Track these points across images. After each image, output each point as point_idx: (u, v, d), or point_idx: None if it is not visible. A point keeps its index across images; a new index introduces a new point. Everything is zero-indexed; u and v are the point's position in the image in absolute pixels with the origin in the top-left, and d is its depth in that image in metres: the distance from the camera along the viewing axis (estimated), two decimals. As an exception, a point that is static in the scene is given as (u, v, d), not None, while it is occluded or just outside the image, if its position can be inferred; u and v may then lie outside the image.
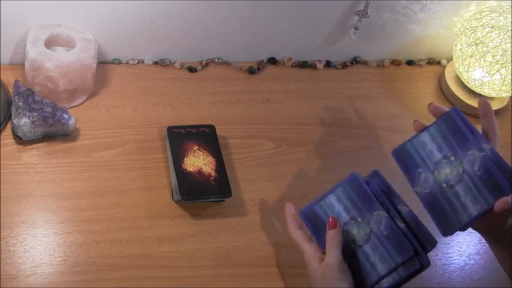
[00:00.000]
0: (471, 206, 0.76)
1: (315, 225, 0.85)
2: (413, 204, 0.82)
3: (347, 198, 0.84)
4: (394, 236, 0.79)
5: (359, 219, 0.83)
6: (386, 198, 0.83)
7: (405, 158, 0.83)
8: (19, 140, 0.96)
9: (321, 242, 0.84)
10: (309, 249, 0.82)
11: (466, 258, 1.01)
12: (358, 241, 0.82)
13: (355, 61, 1.27)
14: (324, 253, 0.81)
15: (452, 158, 0.79)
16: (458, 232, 0.77)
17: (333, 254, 0.79)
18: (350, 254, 0.82)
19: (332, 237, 0.81)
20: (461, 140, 0.79)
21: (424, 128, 0.83)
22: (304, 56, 1.23)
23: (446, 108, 0.83)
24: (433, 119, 0.84)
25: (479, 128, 0.81)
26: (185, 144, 0.99)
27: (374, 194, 0.83)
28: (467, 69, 1.18)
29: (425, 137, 0.82)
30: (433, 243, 0.80)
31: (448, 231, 0.77)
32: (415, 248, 0.78)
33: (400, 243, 0.79)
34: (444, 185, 0.79)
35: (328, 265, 0.78)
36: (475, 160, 0.77)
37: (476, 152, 0.77)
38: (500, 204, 0.73)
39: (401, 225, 0.80)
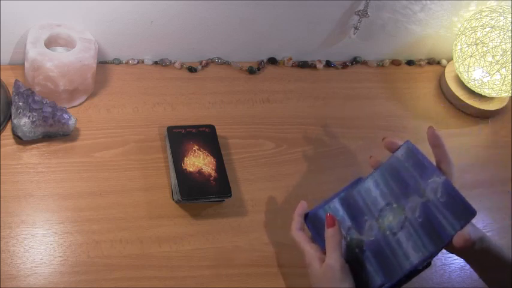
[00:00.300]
0: (413, 253, 0.76)
1: (317, 228, 0.85)
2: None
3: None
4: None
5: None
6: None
7: (352, 205, 0.84)
8: (19, 140, 0.96)
9: (322, 245, 0.83)
10: (309, 249, 0.82)
11: (466, 258, 1.01)
12: (362, 246, 0.81)
13: (355, 61, 1.27)
14: (325, 253, 0.81)
15: (394, 205, 0.80)
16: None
17: (333, 255, 0.79)
18: (354, 259, 0.81)
19: (331, 236, 0.80)
20: (403, 186, 0.80)
21: (369, 174, 0.84)
22: (304, 56, 1.23)
23: (400, 143, 0.83)
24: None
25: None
26: (185, 144, 0.99)
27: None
28: (467, 69, 1.18)
29: (369, 183, 0.83)
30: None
31: (391, 278, 0.77)
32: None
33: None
34: (388, 233, 0.79)
35: (329, 266, 0.78)
36: (416, 206, 0.78)
37: (437, 179, 0.77)
38: (459, 240, 0.73)
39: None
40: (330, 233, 0.81)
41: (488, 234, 0.92)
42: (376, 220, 0.80)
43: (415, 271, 0.80)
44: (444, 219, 0.75)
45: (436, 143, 0.81)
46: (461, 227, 0.74)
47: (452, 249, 0.81)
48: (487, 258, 0.82)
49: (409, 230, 0.78)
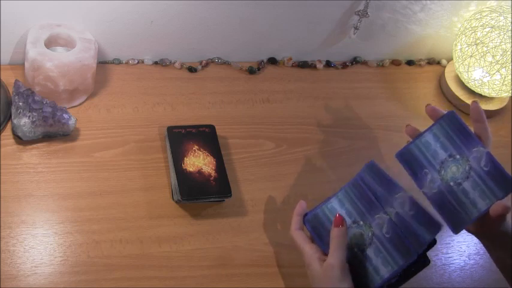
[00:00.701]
0: (480, 201, 0.77)
1: (316, 230, 0.85)
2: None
3: (349, 202, 0.84)
4: (396, 239, 0.79)
5: (361, 222, 0.82)
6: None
7: (410, 159, 0.83)
8: (19, 140, 0.96)
9: (321, 246, 0.83)
10: (308, 250, 0.82)
11: (466, 258, 1.01)
12: (361, 245, 0.82)
13: (355, 61, 1.27)
14: (324, 254, 0.81)
15: (457, 156, 0.79)
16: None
17: (336, 254, 0.78)
18: (353, 257, 0.81)
19: (337, 236, 0.80)
20: (466, 138, 0.80)
21: (426, 129, 0.83)
22: (304, 56, 1.23)
23: (444, 111, 0.83)
24: (430, 118, 0.84)
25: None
26: (185, 144, 0.99)
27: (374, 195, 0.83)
28: (467, 69, 1.18)
29: (428, 137, 0.82)
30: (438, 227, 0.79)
31: (458, 228, 0.77)
32: (418, 253, 0.78)
33: (403, 247, 0.78)
34: (452, 184, 0.79)
35: (331, 265, 0.78)
36: (481, 156, 0.78)
37: (481, 149, 0.78)
38: (497, 208, 0.74)
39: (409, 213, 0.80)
40: (336, 233, 0.80)
41: None
42: (438, 172, 0.80)
43: (413, 271, 0.80)
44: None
45: (478, 118, 0.81)
46: (503, 197, 0.75)
47: (479, 228, 0.81)
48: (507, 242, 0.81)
49: (474, 179, 0.78)
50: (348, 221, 0.83)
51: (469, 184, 0.78)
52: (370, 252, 0.80)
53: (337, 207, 0.85)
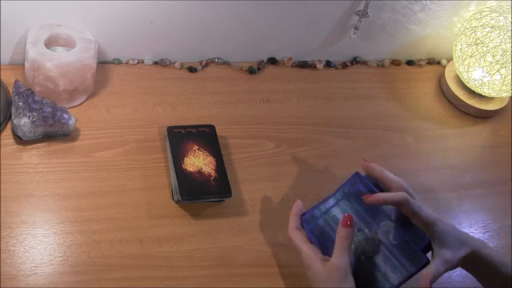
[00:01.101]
0: (392, 275, 0.78)
1: (313, 232, 0.85)
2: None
3: (352, 210, 0.84)
4: (404, 245, 0.79)
5: (366, 230, 0.82)
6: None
7: (317, 231, 0.84)
8: (19, 140, 0.96)
9: (319, 247, 0.83)
10: (307, 250, 0.81)
11: (466, 258, 1.01)
12: (367, 252, 0.81)
13: (355, 61, 1.27)
14: (323, 254, 0.81)
15: (366, 231, 0.81)
16: None
17: (342, 254, 0.77)
18: (360, 265, 0.81)
19: (344, 237, 0.78)
20: (372, 211, 0.81)
21: (331, 196, 0.86)
22: (304, 56, 1.23)
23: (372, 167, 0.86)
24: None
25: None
26: (185, 144, 0.99)
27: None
28: (467, 69, 1.18)
29: (336, 211, 0.84)
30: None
31: None
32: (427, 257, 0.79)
33: (412, 252, 0.79)
34: (362, 258, 0.80)
35: (335, 265, 0.77)
36: (389, 230, 0.80)
37: (389, 222, 0.80)
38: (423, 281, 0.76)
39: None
40: (343, 233, 0.79)
41: (488, 234, 0.93)
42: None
43: (417, 271, 0.80)
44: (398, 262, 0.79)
45: (376, 174, 0.84)
46: (414, 271, 0.78)
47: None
48: (483, 269, 0.82)
49: (385, 253, 0.80)
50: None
51: (380, 258, 0.79)
52: (378, 259, 0.80)
53: (339, 215, 0.84)
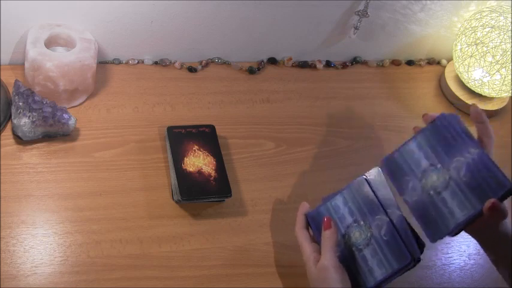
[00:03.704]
0: (458, 211, 0.76)
1: (318, 226, 0.85)
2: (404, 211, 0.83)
3: (352, 201, 0.85)
4: (393, 242, 0.80)
5: (361, 222, 0.83)
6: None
7: (393, 167, 0.83)
8: (19, 140, 0.96)
9: (317, 237, 0.84)
10: (307, 249, 0.83)
11: (466, 258, 1.01)
12: (359, 245, 0.82)
13: (355, 61, 1.27)
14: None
15: (438, 166, 0.80)
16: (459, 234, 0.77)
17: (328, 255, 0.79)
18: (349, 257, 0.82)
19: (327, 238, 0.81)
20: (447, 147, 0.80)
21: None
22: (304, 56, 1.23)
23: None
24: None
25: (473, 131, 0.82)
26: (185, 144, 0.99)
27: (378, 198, 0.83)
28: (467, 69, 1.19)
29: (412, 145, 0.83)
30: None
31: (435, 237, 0.77)
32: (413, 256, 0.79)
33: (399, 250, 0.79)
34: (431, 192, 0.79)
35: (323, 266, 0.79)
36: (461, 166, 0.78)
37: (461, 159, 0.78)
38: (488, 204, 0.74)
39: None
40: (326, 235, 0.81)
41: None
42: (419, 180, 0.80)
43: (401, 269, 0.80)
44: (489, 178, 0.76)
45: (479, 119, 0.82)
46: (481, 208, 0.74)
47: (477, 229, 0.80)
48: (502, 244, 0.80)
49: (453, 189, 0.78)
50: (349, 219, 0.84)
51: (448, 193, 0.78)
52: (367, 252, 0.81)
53: (340, 204, 0.85)
